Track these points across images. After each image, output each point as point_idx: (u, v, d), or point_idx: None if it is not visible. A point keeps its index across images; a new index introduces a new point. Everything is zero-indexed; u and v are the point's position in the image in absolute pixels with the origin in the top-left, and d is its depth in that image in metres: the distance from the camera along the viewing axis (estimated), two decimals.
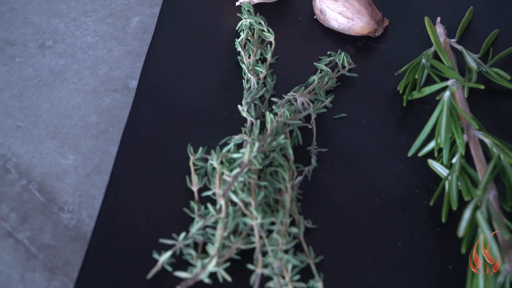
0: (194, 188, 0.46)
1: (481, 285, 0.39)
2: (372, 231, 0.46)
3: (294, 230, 0.43)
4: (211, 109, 0.53)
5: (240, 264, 0.43)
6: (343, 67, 0.55)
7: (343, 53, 0.55)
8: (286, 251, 0.43)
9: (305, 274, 0.43)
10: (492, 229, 0.41)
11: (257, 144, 0.44)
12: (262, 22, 0.55)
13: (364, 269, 0.44)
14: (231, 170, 0.45)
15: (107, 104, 0.57)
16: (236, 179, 0.43)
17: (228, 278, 0.42)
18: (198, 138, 0.50)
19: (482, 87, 0.48)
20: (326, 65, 0.55)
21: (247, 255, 0.43)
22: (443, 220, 0.45)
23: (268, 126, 0.48)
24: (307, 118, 0.51)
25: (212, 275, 0.42)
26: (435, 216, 0.46)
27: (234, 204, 0.44)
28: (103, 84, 0.58)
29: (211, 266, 0.41)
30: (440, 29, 0.57)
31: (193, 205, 0.45)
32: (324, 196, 0.48)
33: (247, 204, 0.44)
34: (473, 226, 0.42)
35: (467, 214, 0.42)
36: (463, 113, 0.47)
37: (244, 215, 0.43)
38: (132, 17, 0.64)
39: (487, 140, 0.47)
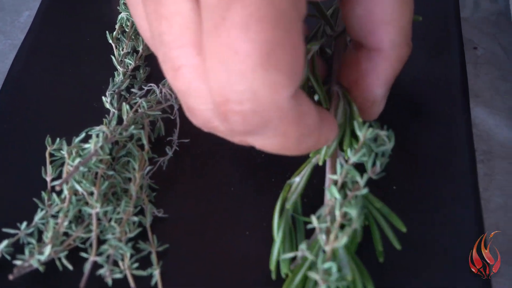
0: (48, 178, 0.47)
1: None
2: (223, 220, 0.47)
3: (134, 218, 0.44)
4: (80, 101, 0.53)
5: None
6: None
7: None
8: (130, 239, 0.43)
9: (150, 263, 0.44)
10: None
11: (102, 134, 0.45)
12: None
13: (208, 258, 0.44)
14: None
15: None
16: (78, 169, 0.43)
17: (70, 267, 0.42)
18: (64, 130, 0.50)
19: None
20: None
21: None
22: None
23: (124, 116, 0.48)
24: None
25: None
26: None
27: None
28: None
29: (46, 253, 0.41)
30: None
31: (44, 195, 0.46)
32: (181, 187, 0.48)
33: (91, 194, 0.44)
34: None
35: None
36: None
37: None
38: (23, 11, 0.64)
39: None
